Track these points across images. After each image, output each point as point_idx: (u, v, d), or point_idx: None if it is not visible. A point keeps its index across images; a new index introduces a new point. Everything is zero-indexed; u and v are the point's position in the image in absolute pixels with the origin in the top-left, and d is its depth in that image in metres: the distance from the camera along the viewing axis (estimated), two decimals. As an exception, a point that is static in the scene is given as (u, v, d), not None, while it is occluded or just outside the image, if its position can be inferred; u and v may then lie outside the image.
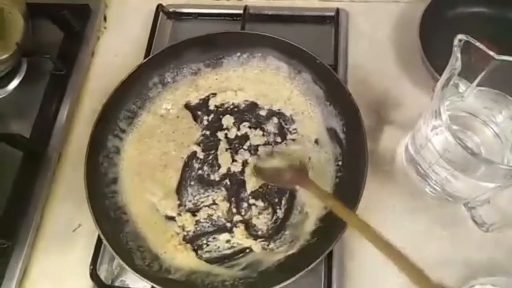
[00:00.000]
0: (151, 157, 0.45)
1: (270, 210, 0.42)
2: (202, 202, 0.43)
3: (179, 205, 0.43)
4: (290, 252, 0.38)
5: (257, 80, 0.48)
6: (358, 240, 0.39)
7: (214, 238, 0.41)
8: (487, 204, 0.37)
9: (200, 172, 0.45)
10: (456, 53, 0.31)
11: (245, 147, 0.45)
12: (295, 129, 0.45)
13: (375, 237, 0.31)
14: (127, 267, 0.36)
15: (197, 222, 0.42)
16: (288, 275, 0.34)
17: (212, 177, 0.44)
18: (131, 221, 0.41)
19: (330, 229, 0.36)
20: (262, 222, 0.41)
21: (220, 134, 0.46)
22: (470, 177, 0.34)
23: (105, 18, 0.56)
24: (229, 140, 0.46)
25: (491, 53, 0.31)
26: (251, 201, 0.43)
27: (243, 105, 0.47)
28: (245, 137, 0.46)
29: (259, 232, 0.41)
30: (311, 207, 0.41)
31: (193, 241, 0.41)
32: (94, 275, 0.39)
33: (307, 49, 0.44)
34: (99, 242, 0.41)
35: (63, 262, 0.43)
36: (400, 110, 0.46)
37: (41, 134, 0.47)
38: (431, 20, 0.46)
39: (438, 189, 0.40)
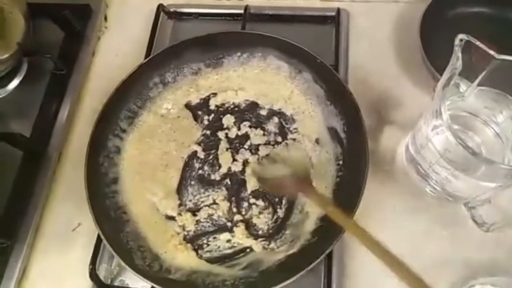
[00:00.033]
0: (152, 157, 0.45)
1: (270, 209, 0.42)
2: (203, 201, 0.43)
3: (180, 205, 0.43)
4: (291, 252, 0.38)
5: (257, 79, 0.48)
6: (357, 240, 0.39)
7: (214, 237, 0.41)
8: (488, 204, 0.37)
9: (200, 171, 0.45)
10: (457, 52, 0.31)
11: (245, 146, 0.45)
12: (295, 128, 0.45)
13: (383, 252, 0.31)
14: (127, 267, 0.36)
15: (198, 221, 0.42)
16: (288, 275, 0.34)
17: (212, 177, 0.44)
18: (131, 221, 0.41)
19: (330, 228, 0.36)
20: (262, 221, 0.41)
21: (221, 134, 0.46)
22: (471, 177, 0.34)
23: (105, 18, 0.56)
24: (229, 140, 0.46)
25: (492, 52, 0.31)
26: (252, 200, 0.43)
27: (243, 105, 0.47)
28: (246, 136, 0.46)
29: (260, 232, 0.41)
30: (311, 206, 0.41)
31: (194, 240, 0.41)
32: (93, 275, 0.39)
33: (307, 48, 0.44)
34: (98, 242, 0.40)
35: (63, 261, 0.43)
36: (401, 110, 0.46)
37: (41, 133, 0.47)
38: (432, 20, 0.46)
39: (438, 189, 0.40)
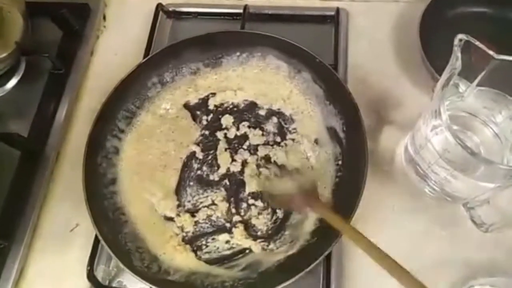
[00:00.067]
0: (150, 157, 0.45)
1: (269, 210, 0.42)
2: (201, 202, 0.43)
3: (178, 206, 0.43)
4: (290, 253, 0.38)
5: (256, 79, 0.47)
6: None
7: (213, 238, 0.41)
8: (487, 205, 0.37)
9: (199, 172, 0.44)
10: (457, 52, 0.31)
11: (244, 147, 0.45)
12: (294, 128, 0.45)
13: (403, 274, 0.30)
14: (126, 268, 0.36)
15: (196, 222, 0.42)
16: (288, 276, 0.34)
17: (211, 177, 0.44)
18: (130, 222, 0.41)
19: (330, 229, 0.36)
20: (261, 222, 0.41)
21: (220, 134, 0.46)
22: (470, 177, 0.34)
23: (104, 17, 0.56)
24: (228, 140, 0.46)
25: (491, 52, 0.31)
26: (251, 201, 0.42)
27: (242, 105, 0.47)
28: (245, 136, 0.46)
29: (259, 233, 0.41)
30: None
31: (193, 241, 0.41)
32: (91, 276, 0.39)
33: (307, 48, 0.44)
34: (96, 242, 0.40)
35: (60, 262, 0.42)
36: (400, 110, 0.46)
37: (39, 133, 0.47)
38: (431, 20, 0.46)
39: (437, 189, 0.40)
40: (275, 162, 0.44)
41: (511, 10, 0.48)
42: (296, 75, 0.46)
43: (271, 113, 0.46)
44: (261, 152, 0.44)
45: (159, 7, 0.53)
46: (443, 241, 0.40)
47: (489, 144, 0.38)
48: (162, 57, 0.46)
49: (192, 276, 0.38)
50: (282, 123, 0.46)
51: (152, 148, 0.45)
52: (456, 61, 0.31)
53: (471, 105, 0.37)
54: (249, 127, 0.46)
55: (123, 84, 0.44)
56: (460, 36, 0.31)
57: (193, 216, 0.42)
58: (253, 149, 0.45)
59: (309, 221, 0.40)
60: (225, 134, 0.46)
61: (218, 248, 0.41)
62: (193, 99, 0.48)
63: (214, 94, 0.48)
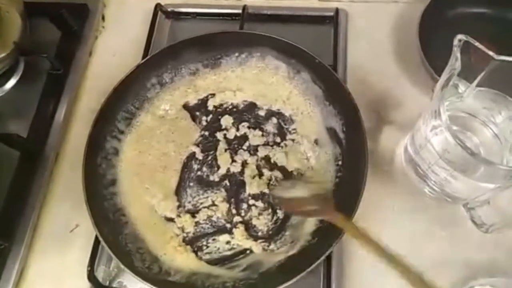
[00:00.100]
0: (150, 158, 0.45)
1: (270, 210, 0.42)
2: (202, 203, 0.43)
3: (179, 207, 0.43)
4: (291, 253, 0.38)
5: (256, 80, 0.47)
6: (357, 241, 0.39)
7: (214, 239, 0.41)
8: (487, 205, 0.37)
9: (199, 173, 0.44)
10: (456, 53, 0.31)
11: (244, 147, 0.45)
12: (294, 129, 0.45)
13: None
14: (126, 269, 0.36)
15: (197, 223, 0.42)
16: (289, 276, 0.34)
17: (211, 178, 0.44)
18: (130, 223, 0.41)
19: (330, 229, 0.36)
20: (262, 222, 0.41)
21: (219, 135, 0.46)
22: (470, 177, 0.34)
23: (103, 18, 0.56)
24: (228, 141, 0.46)
25: (491, 53, 0.31)
26: (251, 201, 0.42)
27: (242, 105, 0.47)
28: (244, 137, 0.46)
29: (259, 233, 0.41)
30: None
31: (193, 242, 0.41)
32: (91, 277, 0.39)
33: (306, 49, 0.44)
34: (96, 243, 0.40)
35: (60, 263, 0.42)
36: (400, 110, 0.46)
37: (38, 133, 0.47)
38: (431, 20, 0.46)
39: (437, 190, 0.40)
40: (275, 163, 0.44)
41: (511, 11, 0.48)
42: (296, 76, 0.46)
43: (270, 113, 0.46)
44: (261, 152, 0.44)
45: (158, 7, 0.53)
46: (443, 241, 0.40)
47: (489, 144, 0.38)
48: (161, 57, 0.46)
49: (193, 276, 0.38)
50: (282, 123, 0.46)
51: (152, 149, 0.45)
52: (455, 61, 0.31)
53: (471, 106, 0.37)
54: (248, 127, 0.46)
55: (122, 85, 0.44)
56: (459, 36, 0.31)
57: (193, 216, 0.42)
58: (253, 150, 0.45)
59: (310, 222, 0.40)
60: (225, 134, 0.46)
61: (218, 248, 0.41)
62: (193, 100, 0.48)
63: (213, 94, 0.48)
